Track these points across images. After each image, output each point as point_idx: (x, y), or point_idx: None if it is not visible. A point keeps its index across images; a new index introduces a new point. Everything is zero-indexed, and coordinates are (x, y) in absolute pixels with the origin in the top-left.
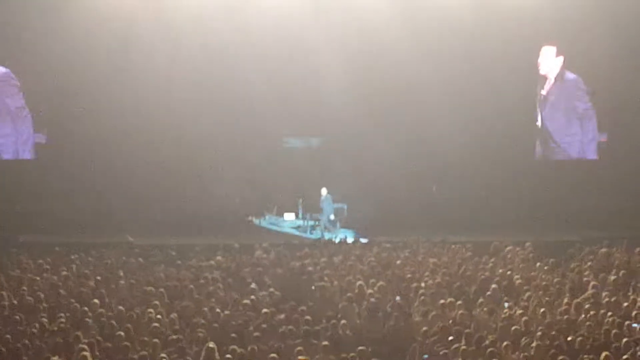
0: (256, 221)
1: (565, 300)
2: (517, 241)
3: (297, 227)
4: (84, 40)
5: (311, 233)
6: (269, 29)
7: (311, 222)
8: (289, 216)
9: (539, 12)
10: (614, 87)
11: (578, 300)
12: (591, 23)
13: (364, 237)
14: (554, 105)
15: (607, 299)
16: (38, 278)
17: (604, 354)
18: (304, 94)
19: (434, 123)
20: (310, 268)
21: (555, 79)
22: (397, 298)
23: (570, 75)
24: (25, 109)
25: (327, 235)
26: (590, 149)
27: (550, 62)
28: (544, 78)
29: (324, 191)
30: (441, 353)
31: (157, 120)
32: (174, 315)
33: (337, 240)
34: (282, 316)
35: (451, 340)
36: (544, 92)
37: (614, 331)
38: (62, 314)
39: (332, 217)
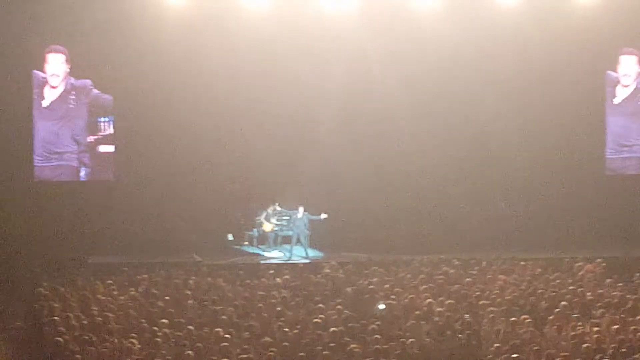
0: None
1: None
2: (587, 257)
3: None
4: (155, 61)
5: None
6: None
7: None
8: None
9: (616, 16)
10: None
11: None
12: None
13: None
14: (625, 109)
15: None
16: (107, 298)
17: None
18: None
19: (499, 136)
20: (375, 286)
21: (632, 87)
22: (466, 316)
23: None
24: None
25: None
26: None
27: (628, 69)
28: (616, 87)
29: (301, 209)
30: None
31: (224, 142)
32: (246, 334)
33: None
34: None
35: (521, 357)
36: (617, 100)
37: None
38: (132, 334)
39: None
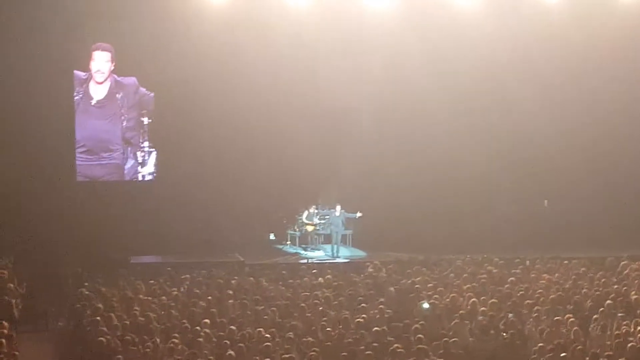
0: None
1: None
2: (632, 256)
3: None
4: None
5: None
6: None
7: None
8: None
9: None
10: None
11: None
12: None
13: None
14: None
15: None
16: (150, 298)
17: None
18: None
19: (540, 136)
20: (418, 286)
21: None
22: (510, 315)
23: None
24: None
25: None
26: None
27: None
28: None
29: (338, 209)
30: None
31: (266, 141)
32: (289, 334)
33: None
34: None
35: (565, 357)
36: None
37: None
38: (175, 334)
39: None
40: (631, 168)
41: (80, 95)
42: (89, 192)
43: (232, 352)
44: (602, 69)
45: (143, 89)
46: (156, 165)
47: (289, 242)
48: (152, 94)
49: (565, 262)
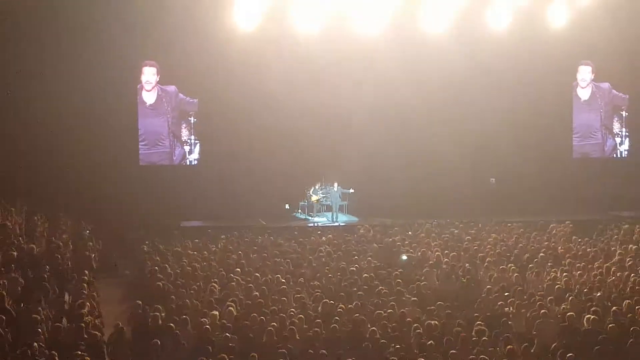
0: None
1: (597, 264)
2: (559, 220)
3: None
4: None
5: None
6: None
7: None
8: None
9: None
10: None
11: (607, 264)
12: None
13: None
14: (583, 107)
15: (630, 263)
16: (195, 253)
17: (625, 302)
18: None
19: (492, 130)
20: (399, 243)
21: (588, 89)
22: (467, 265)
23: (602, 85)
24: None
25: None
26: (616, 148)
27: (585, 75)
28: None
29: (335, 186)
30: (498, 305)
31: (283, 136)
32: (300, 279)
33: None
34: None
35: (508, 295)
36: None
37: (636, 287)
38: (214, 280)
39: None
40: (559, 155)
41: (139, 100)
42: (149, 173)
43: (257, 293)
44: (534, 78)
45: (182, 95)
46: (200, 153)
47: (299, 211)
48: (196, 100)
49: (509, 225)
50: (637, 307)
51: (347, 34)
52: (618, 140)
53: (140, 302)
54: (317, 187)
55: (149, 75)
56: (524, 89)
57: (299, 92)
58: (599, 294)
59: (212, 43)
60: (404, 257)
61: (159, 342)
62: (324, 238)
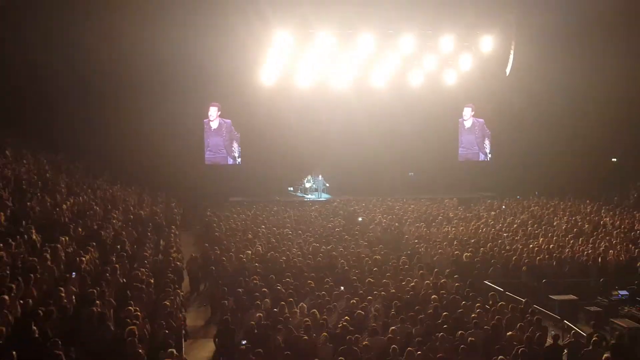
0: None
1: (472, 223)
2: (448, 197)
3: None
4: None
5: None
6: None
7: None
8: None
9: (469, 90)
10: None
11: (478, 223)
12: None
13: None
14: (467, 131)
15: (492, 222)
16: (237, 215)
17: (488, 244)
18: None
19: (410, 145)
20: (358, 210)
21: (470, 121)
22: (396, 224)
23: (478, 120)
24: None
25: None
26: (484, 155)
27: (467, 113)
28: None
29: (320, 177)
30: (414, 246)
31: (292, 148)
32: (299, 231)
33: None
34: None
35: (420, 241)
36: (463, 124)
37: (494, 237)
38: (249, 231)
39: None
40: (449, 158)
41: (207, 127)
42: (211, 169)
43: (273, 240)
44: (437, 114)
45: (232, 126)
46: (241, 157)
47: (299, 191)
48: (238, 135)
49: (421, 200)
50: (495, 248)
51: (327, 87)
52: (486, 151)
53: (207, 245)
54: (308, 177)
55: (213, 111)
56: (431, 121)
57: (299, 122)
58: (473, 240)
59: (249, 91)
60: (360, 219)
61: (214, 268)
62: (313, 207)
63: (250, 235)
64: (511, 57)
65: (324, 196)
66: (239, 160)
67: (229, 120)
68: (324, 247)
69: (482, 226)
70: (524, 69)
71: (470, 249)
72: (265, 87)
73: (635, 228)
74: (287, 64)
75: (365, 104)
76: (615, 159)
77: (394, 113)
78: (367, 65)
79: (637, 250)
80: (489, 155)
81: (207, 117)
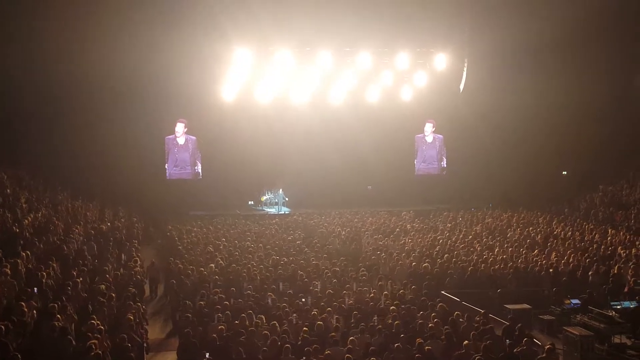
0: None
1: (429, 235)
2: (406, 210)
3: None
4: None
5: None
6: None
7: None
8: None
9: (425, 106)
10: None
11: (435, 234)
12: (450, 109)
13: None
14: (429, 147)
15: (448, 234)
16: (197, 229)
17: (445, 255)
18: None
19: (371, 161)
20: (314, 222)
21: (431, 136)
22: (355, 236)
23: (438, 136)
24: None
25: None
26: (440, 169)
27: (429, 129)
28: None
29: (280, 191)
30: (373, 258)
31: (251, 162)
32: (260, 244)
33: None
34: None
35: (378, 253)
36: (424, 139)
37: (450, 248)
38: (210, 245)
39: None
40: (405, 172)
41: (173, 142)
42: (173, 183)
43: (236, 253)
44: (394, 129)
45: (195, 142)
46: (202, 172)
47: (259, 205)
48: (199, 154)
49: (380, 212)
50: (452, 259)
51: (287, 103)
52: (444, 165)
53: (172, 258)
54: (267, 191)
55: (180, 127)
56: (389, 135)
57: (259, 137)
58: (430, 252)
59: (211, 107)
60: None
61: (175, 282)
62: (273, 221)
63: (211, 249)
64: (464, 74)
65: (284, 210)
66: (200, 175)
67: (194, 137)
68: (284, 259)
69: (438, 238)
70: (477, 86)
71: (427, 260)
72: (226, 103)
73: (586, 239)
74: (247, 81)
75: (324, 119)
76: (565, 172)
77: (352, 128)
78: (326, 82)
79: (587, 260)
80: (445, 169)
81: (171, 133)
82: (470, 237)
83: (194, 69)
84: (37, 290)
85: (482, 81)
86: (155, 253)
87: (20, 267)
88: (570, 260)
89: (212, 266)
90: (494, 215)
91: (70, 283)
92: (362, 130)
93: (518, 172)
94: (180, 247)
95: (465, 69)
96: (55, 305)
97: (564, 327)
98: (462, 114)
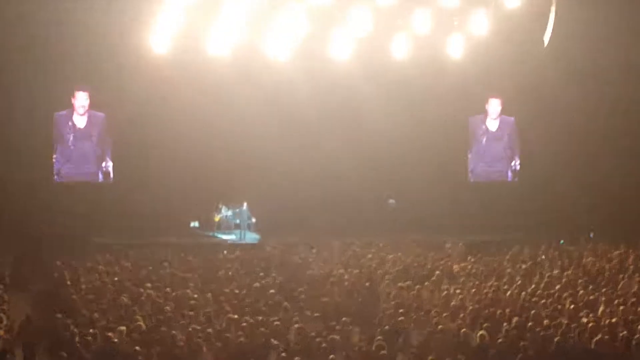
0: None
1: (490, 282)
2: (452, 241)
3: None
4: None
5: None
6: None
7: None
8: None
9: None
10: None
11: (499, 282)
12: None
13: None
14: (492, 137)
15: (520, 281)
16: (104, 267)
17: (515, 319)
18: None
19: (385, 152)
20: (299, 259)
21: (496, 121)
22: (367, 284)
23: (507, 119)
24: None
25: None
26: (510, 173)
27: (493, 108)
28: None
29: (243, 205)
30: (397, 320)
31: (186, 159)
32: (208, 294)
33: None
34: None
35: (405, 312)
36: (484, 127)
37: (525, 305)
38: (125, 294)
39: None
40: (455, 179)
41: (66, 122)
42: (66, 191)
43: (167, 309)
44: (437, 106)
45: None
46: (114, 173)
47: (208, 228)
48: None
49: (407, 243)
50: (527, 324)
51: (256, 58)
52: (515, 167)
53: (61, 315)
54: (223, 207)
55: (81, 99)
56: (426, 114)
57: (210, 114)
58: (490, 311)
59: (132, 66)
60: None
61: (66, 355)
62: (232, 255)
63: (126, 300)
64: (551, 15)
65: (250, 237)
66: (111, 176)
67: (101, 114)
68: (248, 320)
69: (505, 288)
70: (573, 35)
71: (485, 325)
72: (156, 59)
73: None
74: (192, 23)
75: (319, 87)
76: None
77: (365, 101)
78: (322, 24)
79: None
80: (517, 174)
81: (65, 107)
82: (557, 287)
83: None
84: None
85: (584, 28)
86: (33, 304)
87: None
88: None
89: (122, 330)
90: (597, 252)
91: None
92: (382, 105)
93: (637, 179)
94: (74, 297)
95: (553, 7)
96: None
97: None
98: (546, 82)
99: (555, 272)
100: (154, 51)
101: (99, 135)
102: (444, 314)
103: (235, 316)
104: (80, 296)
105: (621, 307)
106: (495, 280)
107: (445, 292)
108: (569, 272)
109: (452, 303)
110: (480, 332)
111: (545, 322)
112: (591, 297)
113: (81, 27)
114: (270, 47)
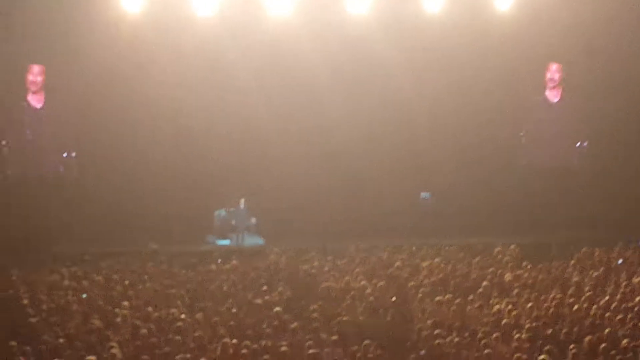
0: None
1: (551, 294)
2: (503, 243)
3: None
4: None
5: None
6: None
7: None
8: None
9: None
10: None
11: (564, 295)
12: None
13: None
14: (551, 112)
15: (589, 293)
16: (70, 283)
17: (587, 338)
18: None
19: (417, 132)
20: (312, 269)
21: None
22: (393, 298)
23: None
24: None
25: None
26: (572, 156)
27: (554, 74)
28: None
29: (241, 203)
30: (436, 343)
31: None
32: (198, 315)
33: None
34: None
35: (445, 333)
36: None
37: (597, 322)
38: (96, 317)
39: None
40: (500, 165)
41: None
42: (18, 187)
43: (145, 331)
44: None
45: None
46: (79, 166)
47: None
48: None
49: (446, 247)
50: (600, 345)
51: (253, 16)
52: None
53: (15, 343)
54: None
55: (35, 75)
56: (466, 85)
57: (194, 88)
58: (553, 330)
59: (95, 34)
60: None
61: None
62: (227, 265)
63: (98, 323)
64: None
65: (249, 241)
66: (75, 170)
67: (62, 92)
68: (249, 346)
69: (571, 301)
70: None
71: (548, 348)
72: (126, 20)
73: None
74: None
75: (330, 51)
76: None
77: (389, 67)
78: None
79: None
80: (582, 159)
81: (19, 85)
82: (638, 299)
83: None
84: None
85: None
86: None
87: None
88: None
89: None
90: None
91: None
92: (410, 73)
93: None
94: (34, 320)
95: None
96: None
97: None
98: (619, 45)
99: (636, 280)
100: (124, 8)
101: (59, 118)
102: (494, 335)
103: (233, 341)
104: (40, 319)
105: None
106: (559, 291)
107: (496, 307)
108: None
109: (504, 321)
110: (542, 358)
111: (624, 342)
112: None
113: None
114: (267, 3)
